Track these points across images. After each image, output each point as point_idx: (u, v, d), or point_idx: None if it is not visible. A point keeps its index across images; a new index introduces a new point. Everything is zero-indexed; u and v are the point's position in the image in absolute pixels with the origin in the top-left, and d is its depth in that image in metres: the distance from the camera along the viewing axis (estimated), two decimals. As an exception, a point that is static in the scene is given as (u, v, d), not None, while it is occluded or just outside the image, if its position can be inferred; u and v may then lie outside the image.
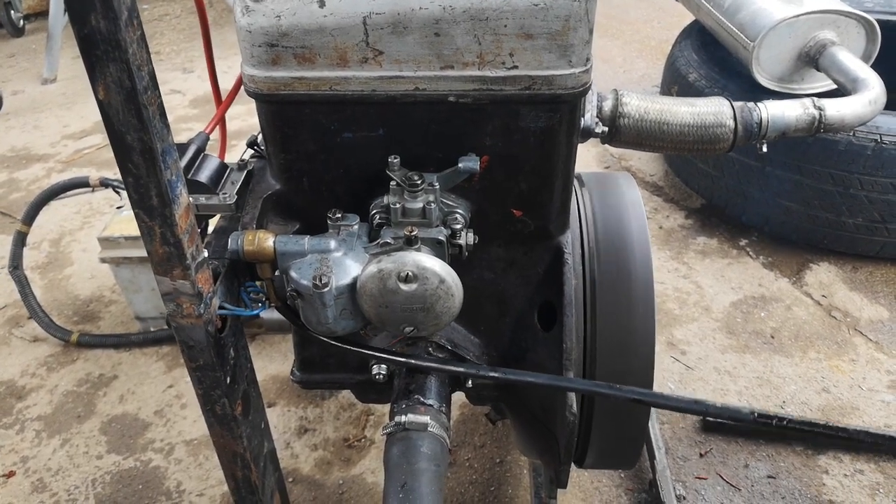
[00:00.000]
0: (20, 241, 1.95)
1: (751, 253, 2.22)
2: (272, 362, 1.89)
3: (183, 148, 0.98)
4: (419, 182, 0.88)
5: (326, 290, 0.82)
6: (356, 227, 0.90)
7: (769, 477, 1.55)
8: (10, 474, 1.63)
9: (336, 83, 0.85)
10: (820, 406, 1.71)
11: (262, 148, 1.04)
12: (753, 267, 2.17)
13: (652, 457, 1.54)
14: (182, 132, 3.03)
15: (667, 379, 1.80)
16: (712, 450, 1.61)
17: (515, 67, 0.83)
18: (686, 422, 1.68)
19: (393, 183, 0.89)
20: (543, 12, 0.80)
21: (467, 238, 0.91)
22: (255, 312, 0.90)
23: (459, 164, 0.89)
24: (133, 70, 0.66)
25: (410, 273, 0.82)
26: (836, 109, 1.44)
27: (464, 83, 0.85)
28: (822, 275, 2.11)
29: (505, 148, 0.90)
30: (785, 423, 0.59)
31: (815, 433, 0.58)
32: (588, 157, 2.73)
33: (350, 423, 1.70)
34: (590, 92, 1.00)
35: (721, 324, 1.97)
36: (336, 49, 0.83)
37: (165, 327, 1.93)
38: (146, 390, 1.84)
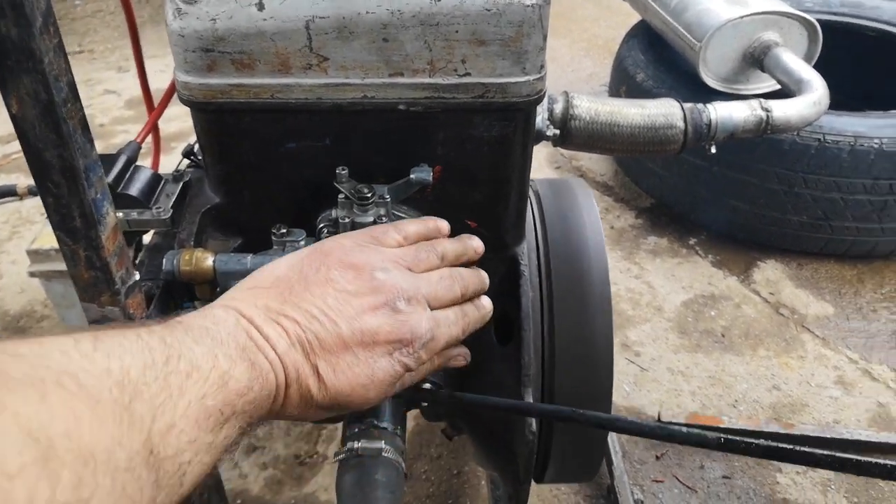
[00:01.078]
0: (-59, 254, 1.83)
1: (700, 252, 2.24)
2: (218, 376, 1.81)
3: (112, 159, 0.91)
4: (369, 195, 0.83)
5: (271, 312, 0.77)
6: (302, 242, 0.85)
7: (724, 477, 1.56)
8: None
9: (278, 91, 0.80)
10: (771, 404, 1.73)
11: (199, 158, 0.98)
12: (703, 266, 2.19)
13: (609, 462, 1.53)
14: (118, 134, 2.90)
15: (622, 381, 1.79)
16: (668, 452, 1.62)
17: (468, 75, 0.80)
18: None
19: (341, 196, 0.84)
20: (496, 18, 0.76)
21: (420, 252, 0.87)
22: (195, 336, 0.84)
23: (412, 176, 0.85)
24: (50, 81, 0.59)
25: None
26: (783, 111, 1.46)
27: (414, 91, 0.80)
28: (769, 272, 2.14)
29: (458, 157, 0.86)
30: (753, 446, 0.57)
31: (781, 456, 0.57)
32: (539, 157, 2.71)
33: (301, 439, 1.64)
34: (542, 97, 0.98)
35: (673, 323, 1.98)
36: (277, 55, 0.77)
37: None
38: (83, 410, 1.74)
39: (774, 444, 0.60)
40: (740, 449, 0.59)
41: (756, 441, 0.59)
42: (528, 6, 0.76)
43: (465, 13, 0.76)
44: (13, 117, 0.61)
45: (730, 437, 0.59)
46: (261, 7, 0.75)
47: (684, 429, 0.60)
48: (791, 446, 0.59)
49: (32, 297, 2.09)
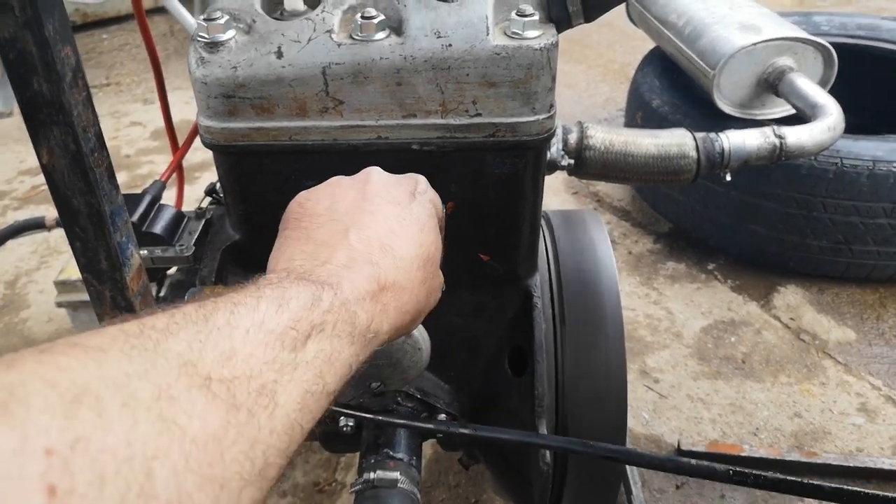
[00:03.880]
0: (-27, 285, 1.88)
1: (719, 277, 2.24)
2: (239, 404, 1.83)
3: (137, 199, 0.95)
4: (384, 232, 0.85)
5: (289, 348, 0.79)
6: (320, 279, 0.87)
7: (745, 507, 1.55)
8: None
9: (296, 133, 0.83)
10: (793, 432, 1.72)
11: (221, 195, 1.01)
12: (722, 291, 2.18)
13: (629, 492, 1.52)
14: (143, 165, 2.97)
15: (641, 408, 1.79)
16: (688, 481, 1.60)
17: (479, 115, 0.82)
18: (662, 452, 1.67)
19: (357, 233, 0.87)
20: (505, 61, 0.79)
21: (434, 287, 0.89)
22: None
23: (425, 213, 0.87)
24: (78, 132, 0.63)
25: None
26: (797, 137, 1.46)
27: (427, 131, 0.83)
28: (790, 297, 2.13)
29: (471, 194, 0.89)
30: (761, 480, 0.57)
31: (792, 489, 0.57)
32: (556, 183, 2.73)
33: (320, 467, 1.66)
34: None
35: (693, 350, 1.97)
36: (295, 99, 0.81)
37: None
38: (108, 437, 1.77)
39: (782, 476, 0.60)
40: (749, 482, 0.59)
41: (765, 473, 0.59)
42: (537, 49, 0.79)
43: (475, 57, 0.79)
44: (44, 167, 0.65)
45: (738, 468, 0.60)
46: (280, 55, 0.78)
47: (693, 461, 0.61)
48: (799, 479, 0.60)
49: (59, 327, 2.13)
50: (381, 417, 0.89)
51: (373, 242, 0.54)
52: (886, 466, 1.56)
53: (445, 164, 0.86)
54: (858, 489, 0.63)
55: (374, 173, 0.64)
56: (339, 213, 0.57)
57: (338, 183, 0.62)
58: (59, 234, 2.46)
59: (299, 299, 0.44)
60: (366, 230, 0.55)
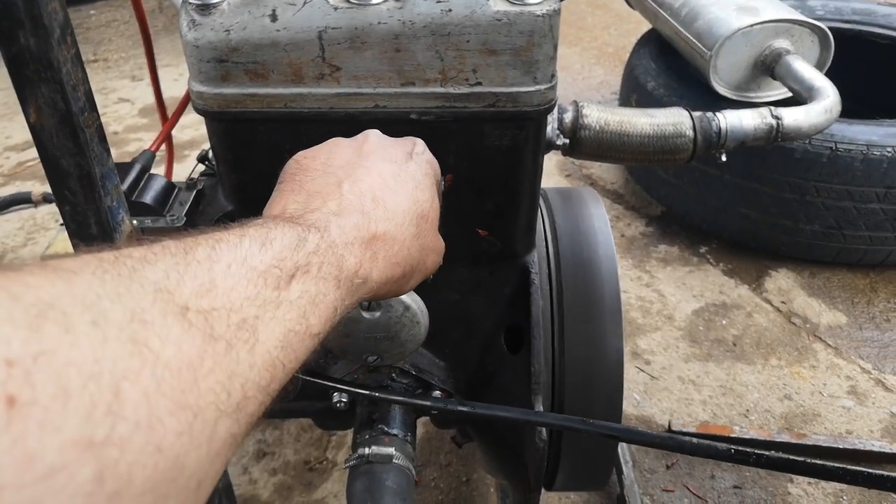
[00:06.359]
0: (-43, 260, 1.85)
1: (711, 260, 2.23)
2: (229, 382, 1.82)
3: (126, 168, 0.92)
4: (380, 203, 0.84)
5: (283, 320, 0.77)
6: (314, 250, 0.86)
7: (735, 487, 1.55)
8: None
9: (291, 100, 0.81)
10: (783, 413, 1.72)
11: (214, 164, 0.99)
12: (714, 274, 2.18)
13: (619, 471, 1.52)
14: (131, 142, 2.92)
15: (632, 390, 1.79)
16: (678, 461, 1.61)
17: (479, 84, 0.80)
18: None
19: (353, 204, 0.85)
20: (507, 27, 0.77)
21: (431, 260, 0.88)
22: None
23: (422, 184, 0.85)
24: (67, 90, 0.61)
25: (373, 300, 0.78)
26: (794, 118, 1.45)
27: (426, 100, 0.81)
28: (781, 281, 2.13)
29: (470, 166, 0.87)
30: (763, 459, 0.56)
31: (794, 469, 0.56)
32: (549, 165, 2.72)
33: (311, 445, 1.65)
34: (553, 106, 0.99)
35: (684, 332, 1.97)
36: (290, 65, 0.78)
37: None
38: (95, 415, 1.76)
39: (784, 455, 0.60)
40: (750, 461, 0.58)
41: (766, 453, 0.59)
42: (539, 16, 0.77)
43: (475, 23, 0.77)
44: (31, 126, 0.63)
45: (740, 448, 0.59)
46: (274, 18, 0.76)
47: (694, 440, 0.60)
48: (802, 458, 0.59)
49: (46, 303, 2.10)
50: (377, 394, 0.88)
51: (365, 194, 0.54)
52: (875, 448, 1.57)
53: (444, 134, 0.84)
54: (859, 468, 0.63)
55: (373, 134, 0.65)
56: (334, 168, 0.57)
57: (336, 142, 0.63)
58: (46, 210, 2.43)
59: (283, 240, 0.44)
60: (359, 183, 0.55)
